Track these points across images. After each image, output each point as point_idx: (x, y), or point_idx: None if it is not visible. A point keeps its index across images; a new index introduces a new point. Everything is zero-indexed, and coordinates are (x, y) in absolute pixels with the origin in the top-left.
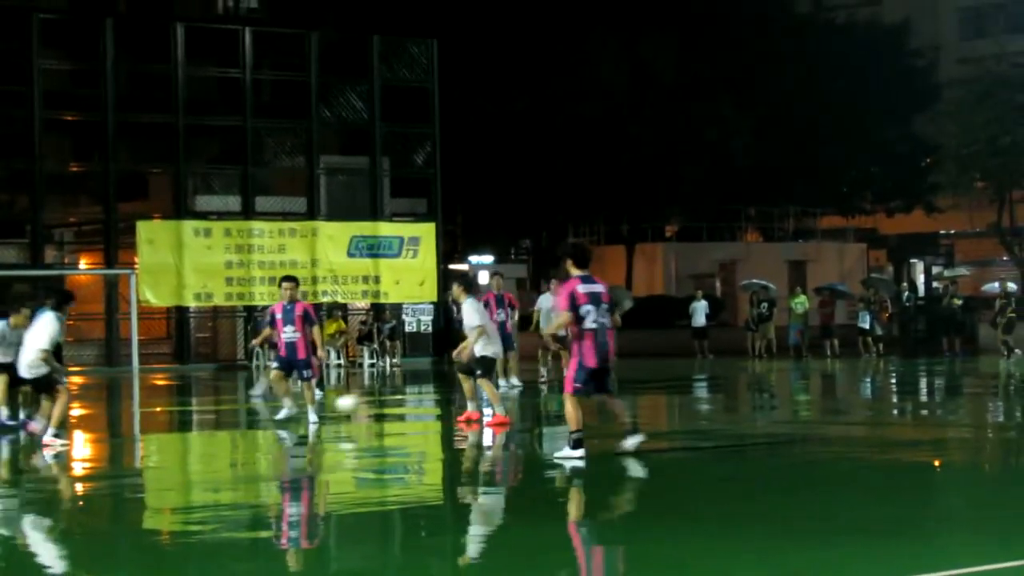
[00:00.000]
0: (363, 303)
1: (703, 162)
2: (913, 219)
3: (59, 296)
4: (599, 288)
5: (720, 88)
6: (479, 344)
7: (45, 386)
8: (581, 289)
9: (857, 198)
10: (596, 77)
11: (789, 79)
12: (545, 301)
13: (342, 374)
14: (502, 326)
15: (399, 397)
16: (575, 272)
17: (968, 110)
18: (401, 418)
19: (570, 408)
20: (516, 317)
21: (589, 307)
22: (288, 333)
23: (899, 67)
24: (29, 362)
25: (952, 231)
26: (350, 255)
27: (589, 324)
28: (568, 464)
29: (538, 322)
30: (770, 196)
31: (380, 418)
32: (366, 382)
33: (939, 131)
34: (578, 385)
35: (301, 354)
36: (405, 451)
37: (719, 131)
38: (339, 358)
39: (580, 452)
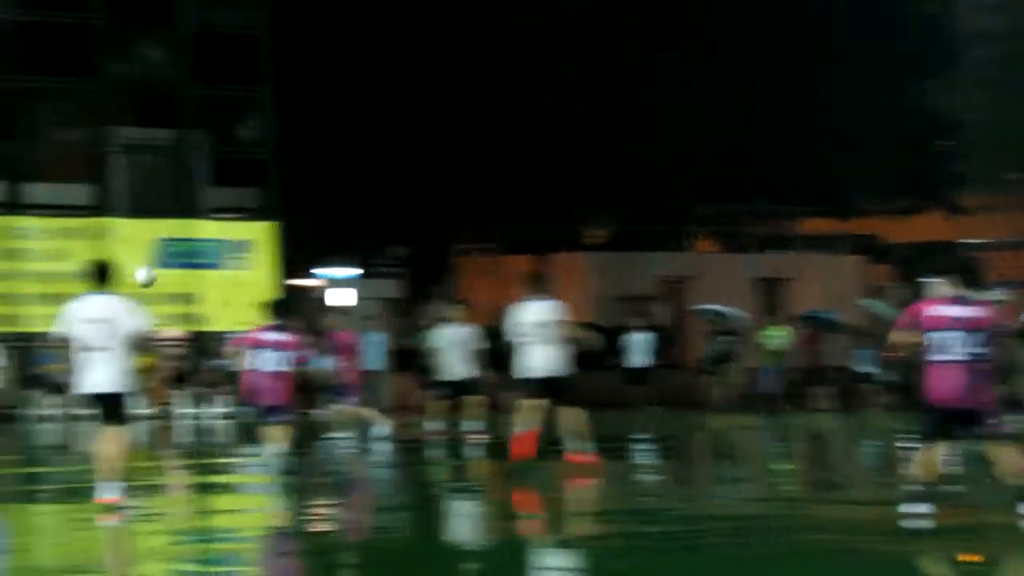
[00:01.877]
0: (177, 331)
1: (639, 141)
2: (928, 223)
3: None
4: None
5: (658, 36)
6: None
7: None
8: None
9: (851, 194)
10: (497, 18)
11: (760, 30)
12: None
13: (151, 427)
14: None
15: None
16: None
17: (1000, 76)
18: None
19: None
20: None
21: None
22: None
23: (905, 15)
24: None
25: (983, 240)
26: (157, 265)
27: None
28: None
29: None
30: (732, 190)
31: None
32: (186, 439)
33: (962, 103)
34: None
35: None
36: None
37: (660, 97)
38: (147, 405)
39: None
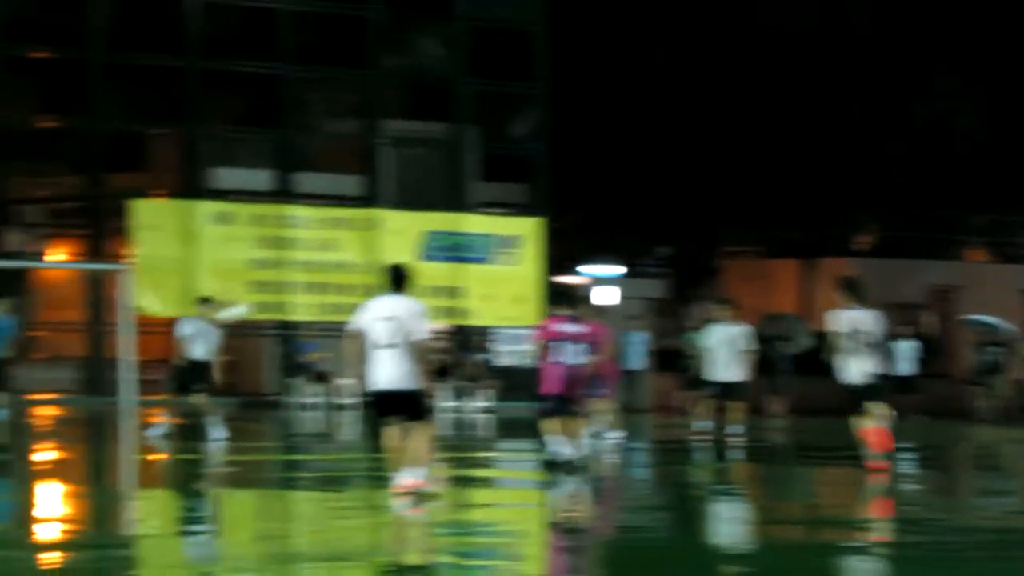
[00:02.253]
0: (440, 324)
1: (911, 151)
2: None
3: None
4: None
5: (935, 52)
6: None
7: None
8: None
9: None
10: (772, 26)
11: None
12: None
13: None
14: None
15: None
16: None
17: None
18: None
19: None
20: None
21: None
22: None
23: None
24: None
25: None
26: (424, 257)
27: None
28: None
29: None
30: (1004, 199)
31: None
32: (445, 432)
33: None
34: None
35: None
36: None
37: (932, 109)
38: None
39: None
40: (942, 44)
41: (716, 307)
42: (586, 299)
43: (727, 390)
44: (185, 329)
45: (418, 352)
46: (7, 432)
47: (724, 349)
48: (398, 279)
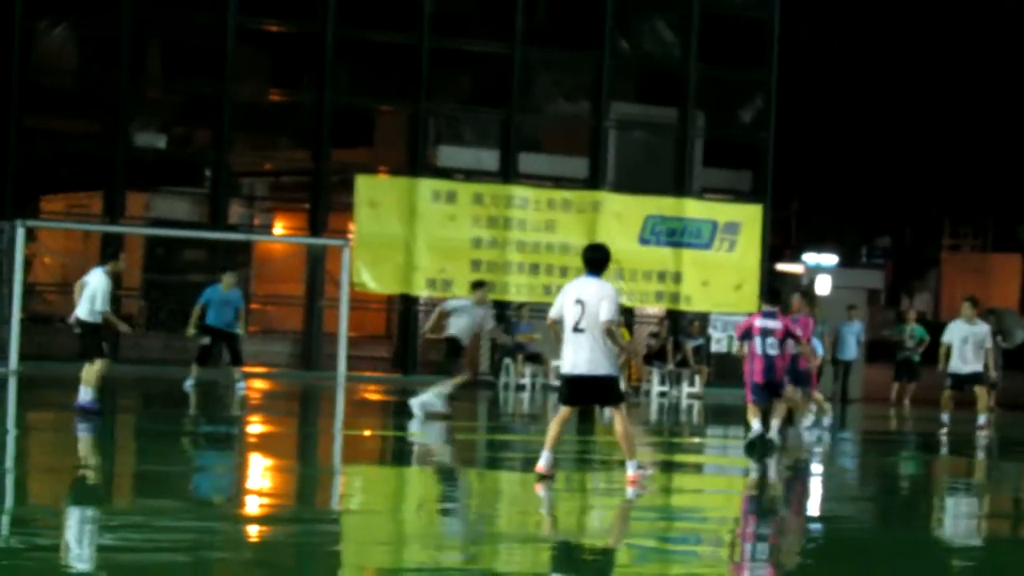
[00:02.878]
0: (656, 309)
1: None
2: None
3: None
4: None
5: None
6: None
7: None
8: None
9: None
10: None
11: None
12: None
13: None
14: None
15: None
16: None
17: None
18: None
19: None
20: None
21: None
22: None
23: None
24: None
25: None
26: (643, 241)
27: None
28: None
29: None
30: None
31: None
32: (652, 417)
33: None
34: None
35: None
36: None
37: None
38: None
39: None
40: None
41: (964, 304)
42: (792, 293)
43: (966, 381)
44: (450, 305)
45: (606, 336)
46: (241, 405)
47: (968, 344)
48: (593, 261)
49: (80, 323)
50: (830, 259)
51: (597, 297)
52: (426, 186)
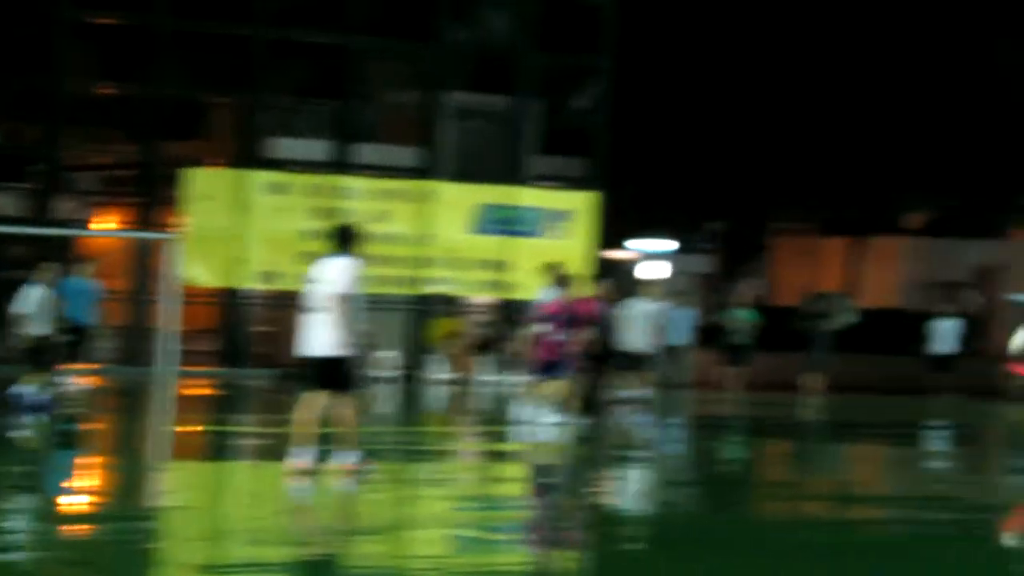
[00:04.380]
0: (487, 298)
1: (966, 125)
2: None
3: None
4: None
5: (993, 27)
6: None
7: None
8: None
9: None
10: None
11: None
12: None
13: (451, 392)
14: None
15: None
16: None
17: None
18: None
19: None
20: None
21: None
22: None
23: None
24: None
25: None
26: (476, 230)
27: None
28: None
29: None
30: None
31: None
32: (482, 406)
33: None
34: None
35: None
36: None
37: (990, 85)
38: (449, 371)
39: None
40: (1002, 18)
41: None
42: (609, 280)
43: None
44: None
45: (340, 314)
46: (67, 402)
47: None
48: (340, 238)
49: None
50: (663, 245)
51: (331, 275)
52: (257, 178)
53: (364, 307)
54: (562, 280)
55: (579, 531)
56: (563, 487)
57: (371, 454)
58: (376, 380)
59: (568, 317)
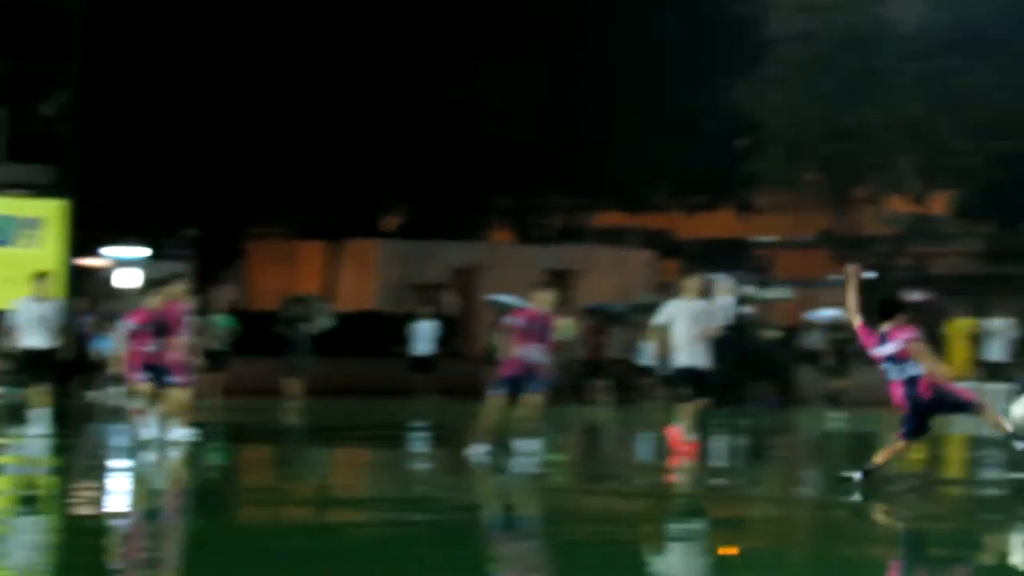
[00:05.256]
0: None
1: (441, 133)
2: (721, 220)
3: None
4: None
5: (469, 32)
6: None
7: None
8: None
9: (646, 189)
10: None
11: (563, 26)
12: None
13: None
14: None
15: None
16: None
17: (803, 77)
18: None
19: None
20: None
21: None
22: None
23: (715, 17)
24: None
25: (772, 238)
26: None
27: None
28: None
29: None
30: (529, 182)
31: None
32: None
33: (762, 103)
34: None
35: None
36: None
37: (461, 89)
38: None
39: None
40: (477, 26)
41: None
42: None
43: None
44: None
45: None
46: None
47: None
48: None
49: None
50: (138, 252)
51: None
52: None
53: None
54: (41, 288)
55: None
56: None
57: None
58: None
59: (157, 325)
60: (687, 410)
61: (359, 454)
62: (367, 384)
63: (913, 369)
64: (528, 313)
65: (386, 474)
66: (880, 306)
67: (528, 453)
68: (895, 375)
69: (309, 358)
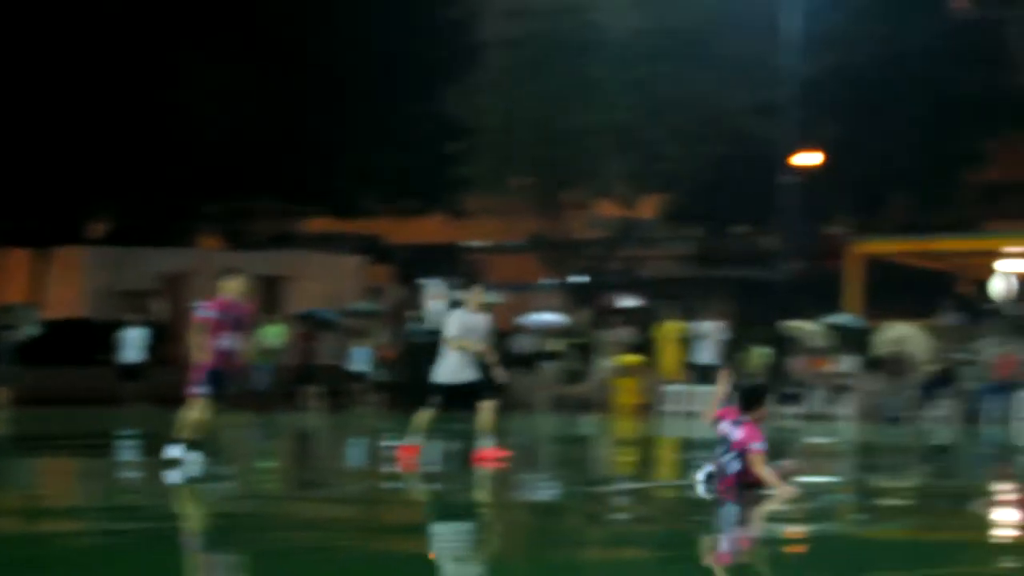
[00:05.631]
0: None
1: (149, 136)
2: (433, 225)
3: None
4: None
5: (177, 34)
6: None
7: None
8: None
9: (358, 195)
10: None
11: (274, 31)
12: None
13: None
14: None
15: None
16: None
17: (514, 82)
18: None
19: None
20: None
21: None
22: None
23: (426, 22)
24: None
25: (484, 243)
26: None
27: None
28: None
29: None
30: (239, 188)
31: None
32: None
33: (475, 108)
34: None
35: None
36: None
37: (175, 94)
38: None
39: None
40: (185, 27)
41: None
42: None
43: None
44: None
45: None
46: None
47: None
48: None
49: None
50: None
51: None
52: None
53: None
54: None
55: None
56: None
57: None
58: None
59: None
60: (424, 419)
61: (66, 464)
62: (75, 393)
63: (735, 465)
64: (220, 303)
65: (94, 483)
66: (744, 392)
67: (185, 460)
68: (721, 455)
69: (14, 367)
